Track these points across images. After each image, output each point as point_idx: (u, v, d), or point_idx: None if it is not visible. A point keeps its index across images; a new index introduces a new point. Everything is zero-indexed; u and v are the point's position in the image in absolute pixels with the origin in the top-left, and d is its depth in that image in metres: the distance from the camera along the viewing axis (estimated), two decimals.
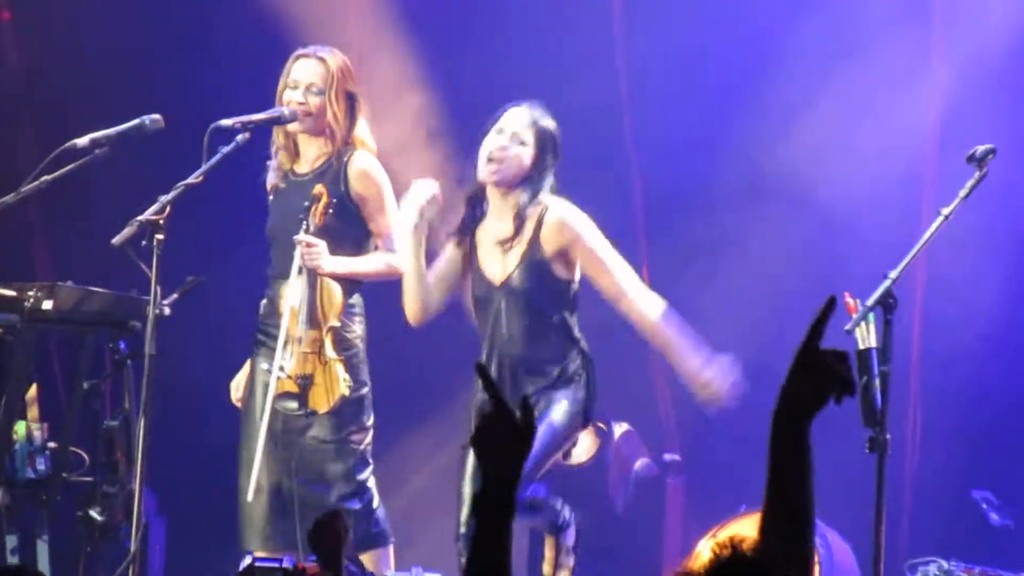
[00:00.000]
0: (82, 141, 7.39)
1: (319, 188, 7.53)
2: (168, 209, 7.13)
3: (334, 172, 7.76)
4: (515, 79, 10.05)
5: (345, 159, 7.76)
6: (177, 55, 10.16)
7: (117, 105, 9.00)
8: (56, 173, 7.48)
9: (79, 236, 9.21)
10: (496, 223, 7.61)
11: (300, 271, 7.62)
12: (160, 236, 7.04)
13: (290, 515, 7.71)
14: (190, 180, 7.23)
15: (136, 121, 7.58)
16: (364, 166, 7.80)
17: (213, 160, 7.29)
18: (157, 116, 7.56)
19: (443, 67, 10.18)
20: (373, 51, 9.94)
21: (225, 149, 7.33)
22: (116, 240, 7.11)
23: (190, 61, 10.11)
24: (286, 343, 7.56)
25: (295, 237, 7.52)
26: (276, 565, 6.53)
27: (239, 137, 7.37)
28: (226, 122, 7.44)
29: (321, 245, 7.51)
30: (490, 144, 7.53)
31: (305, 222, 7.50)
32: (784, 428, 3.41)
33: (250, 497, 7.54)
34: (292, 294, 7.67)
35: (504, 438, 3.80)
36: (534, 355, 7.63)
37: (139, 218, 7.12)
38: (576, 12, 10.67)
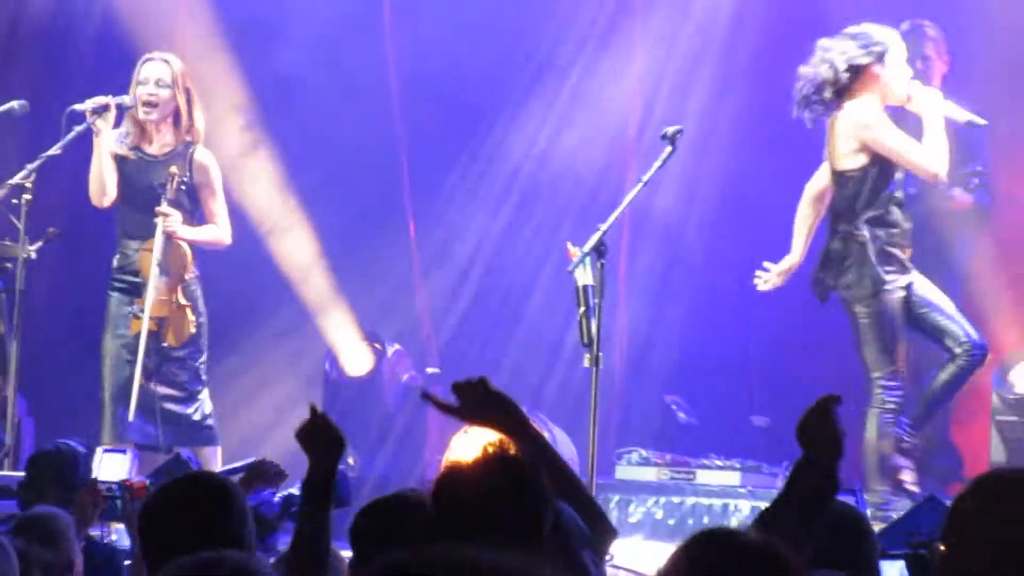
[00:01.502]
0: None
1: (174, 169, 8.96)
2: (33, 175, 8.75)
3: (181, 158, 9.15)
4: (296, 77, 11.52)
5: (190, 152, 9.18)
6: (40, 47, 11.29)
7: None
8: None
9: None
10: None
11: (161, 233, 9.06)
12: (27, 196, 8.73)
13: (149, 416, 9.39)
14: (50, 152, 8.84)
15: (8, 105, 9.16)
16: (204, 160, 9.33)
17: (68, 136, 8.85)
18: (24, 102, 9.15)
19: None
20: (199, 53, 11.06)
21: (78, 128, 8.86)
22: None
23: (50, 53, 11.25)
24: (149, 291, 9.12)
25: (157, 208, 8.94)
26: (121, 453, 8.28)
27: (89, 118, 8.85)
28: (79, 106, 8.91)
29: (176, 215, 8.94)
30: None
31: (163, 196, 8.92)
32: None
33: (131, 418, 9.14)
34: (154, 250, 9.13)
35: (332, 442, 4.67)
36: None
37: (9, 181, 8.73)
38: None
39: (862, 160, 9.39)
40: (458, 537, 4.20)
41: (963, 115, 9.64)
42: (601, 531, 4.79)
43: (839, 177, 9.49)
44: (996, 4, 11.65)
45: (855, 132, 9.32)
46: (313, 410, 4.86)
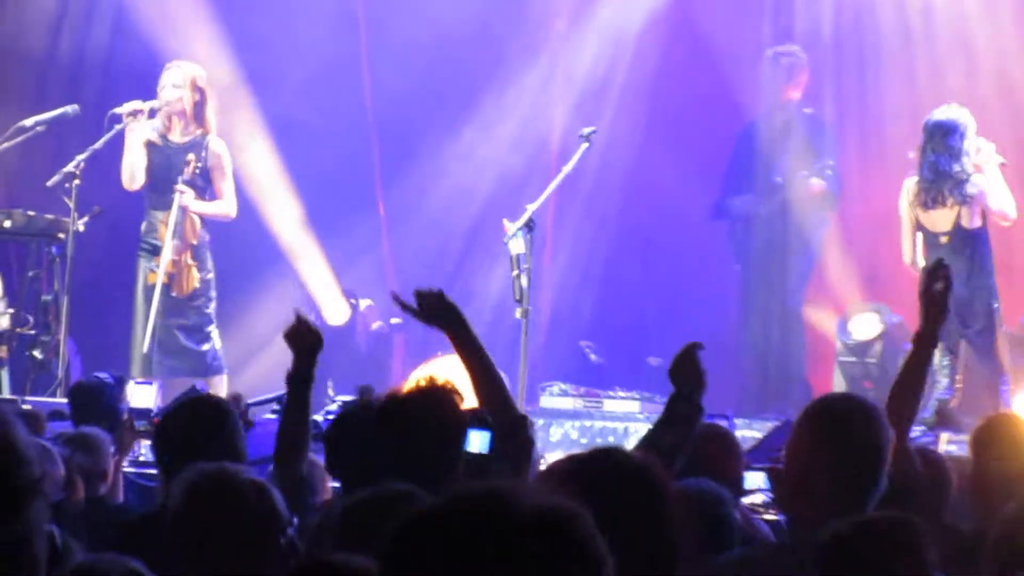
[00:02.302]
0: (28, 122, 10.40)
1: (191, 156, 10.30)
2: (82, 164, 10.09)
3: (199, 147, 10.43)
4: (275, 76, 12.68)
5: (206, 142, 10.44)
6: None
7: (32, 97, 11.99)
8: (11, 142, 10.44)
9: (26, 178, 11.53)
10: None
11: (177, 206, 10.36)
12: (77, 181, 10.09)
13: (169, 353, 10.68)
14: (95, 146, 10.20)
15: (63, 109, 10.59)
16: (217, 149, 10.60)
17: (109, 134, 10.19)
18: (76, 106, 10.59)
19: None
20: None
21: (117, 126, 10.21)
22: (50, 182, 10.20)
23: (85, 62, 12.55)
24: (164, 252, 10.39)
25: (176, 186, 10.26)
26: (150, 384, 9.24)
27: (125, 120, 10.17)
28: (118, 109, 10.26)
29: (190, 192, 10.29)
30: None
31: (181, 176, 10.29)
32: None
33: (145, 349, 10.45)
34: (169, 220, 10.45)
35: (312, 339, 5.29)
36: None
37: (63, 170, 10.14)
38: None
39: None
40: (396, 441, 4.95)
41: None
42: (515, 418, 5.35)
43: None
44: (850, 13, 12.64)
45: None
46: (297, 315, 5.50)
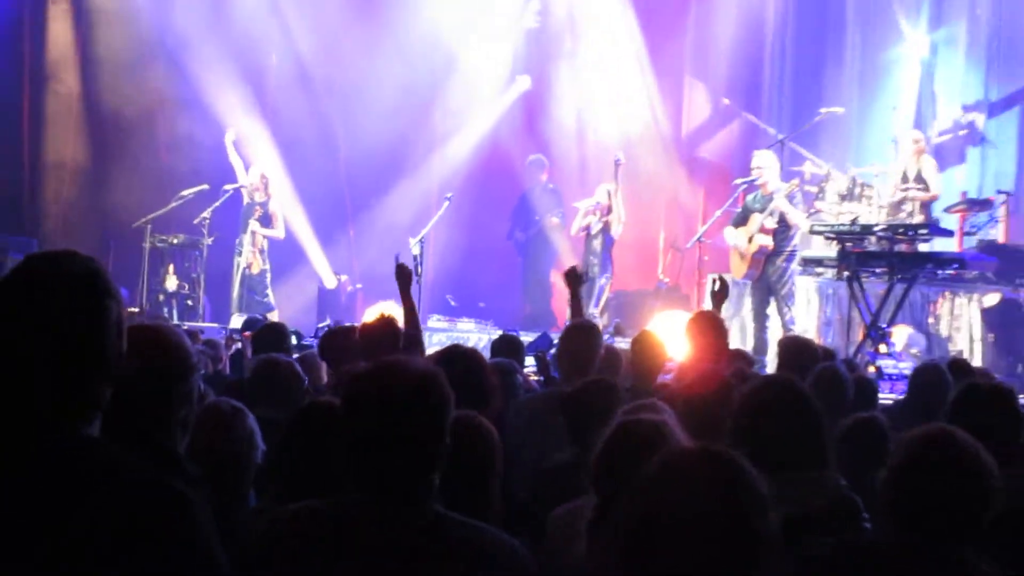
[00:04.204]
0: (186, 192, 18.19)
1: (258, 207, 17.25)
2: (209, 214, 17.64)
3: (264, 205, 17.44)
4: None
5: (267, 202, 17.34)
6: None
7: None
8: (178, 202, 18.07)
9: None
10: None
11: (250, 230, 17.03)
12: (207, 218, 18.09)
13: (247, 305, 17.10)
14: (216, 205, 17.82)
15: (201, 186, 17.90)
16: (273, 208, 17.50)
17: (224, 197, 17.56)
18: (206, 185, 18.06)
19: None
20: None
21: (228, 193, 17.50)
22: (196, 220, 17.69)
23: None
24: (245, 252, 17.16)
25: (249, 220, 16.97)
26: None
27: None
28: (229, 187, 17.46)
29: (257, 224, 17.03)
30: None
31: (252, 217, 17.22)
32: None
33: (234, 301, 17.20)
34: (247, 235, 17.20)
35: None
36: None
37: (202, 215, 18.07)
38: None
39: None
40: (368, 350, 6.80)
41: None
42: (417, 331, 7.89)
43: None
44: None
45: None
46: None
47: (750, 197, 15.12)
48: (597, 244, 17.23)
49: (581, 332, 7.75)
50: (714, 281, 9.09)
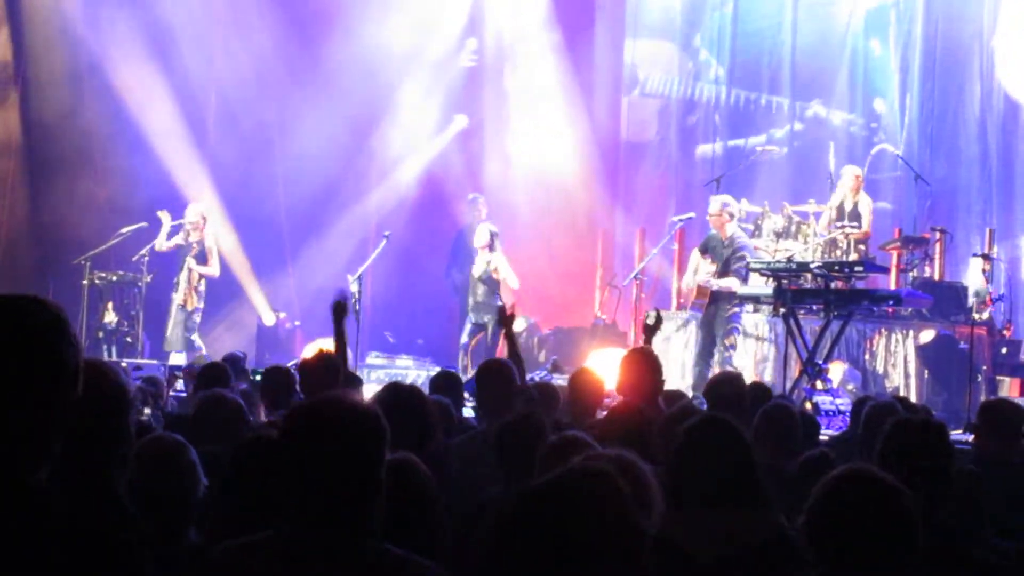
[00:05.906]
0: (125, 230, 18.66)
1: (195, 246, 17.26)
2: (146, 253, 18.26)
3: (200, 244, 17.37)
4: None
5: (203, 240, 17.44)
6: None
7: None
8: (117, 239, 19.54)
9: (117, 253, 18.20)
10: None
11: (186, 267, 17.00)
12: (145, 256, 18.55)
13: (183, 340, 18.21)
14: (156, 240, 18.13)
15: (139, 224, 18.16)
16: (209, 244, 17.38)
17: (166, 231, 17.98)
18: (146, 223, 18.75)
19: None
20: None
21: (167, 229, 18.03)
22: (135, 257, 17.99)
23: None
24: (181, 288, 17.34)
25: (187, 258, 17.05)
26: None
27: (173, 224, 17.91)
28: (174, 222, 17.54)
29: (193, 261, 17.01)
30: None
31: (188, 254, 17.40)
32: None
33: (168, 334, 18.22)
34: (183, 273, 17.19)
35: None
36: None
37: (140, 252, 18.14)
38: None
39: None
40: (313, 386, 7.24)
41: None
42: (350, 371, 8.28)
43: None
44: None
45: None
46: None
47: (712, 234, 15.62)
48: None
49: (491, 373, 7.92)
50: (647, 315, 9.22)
